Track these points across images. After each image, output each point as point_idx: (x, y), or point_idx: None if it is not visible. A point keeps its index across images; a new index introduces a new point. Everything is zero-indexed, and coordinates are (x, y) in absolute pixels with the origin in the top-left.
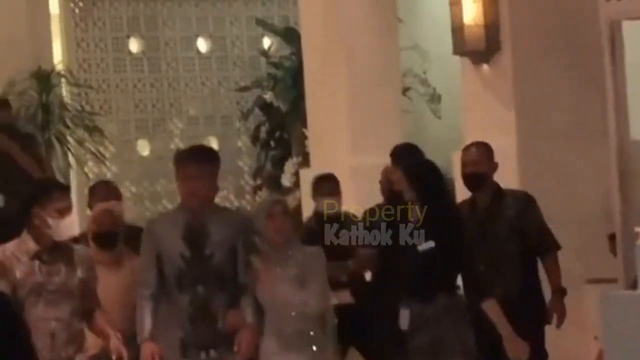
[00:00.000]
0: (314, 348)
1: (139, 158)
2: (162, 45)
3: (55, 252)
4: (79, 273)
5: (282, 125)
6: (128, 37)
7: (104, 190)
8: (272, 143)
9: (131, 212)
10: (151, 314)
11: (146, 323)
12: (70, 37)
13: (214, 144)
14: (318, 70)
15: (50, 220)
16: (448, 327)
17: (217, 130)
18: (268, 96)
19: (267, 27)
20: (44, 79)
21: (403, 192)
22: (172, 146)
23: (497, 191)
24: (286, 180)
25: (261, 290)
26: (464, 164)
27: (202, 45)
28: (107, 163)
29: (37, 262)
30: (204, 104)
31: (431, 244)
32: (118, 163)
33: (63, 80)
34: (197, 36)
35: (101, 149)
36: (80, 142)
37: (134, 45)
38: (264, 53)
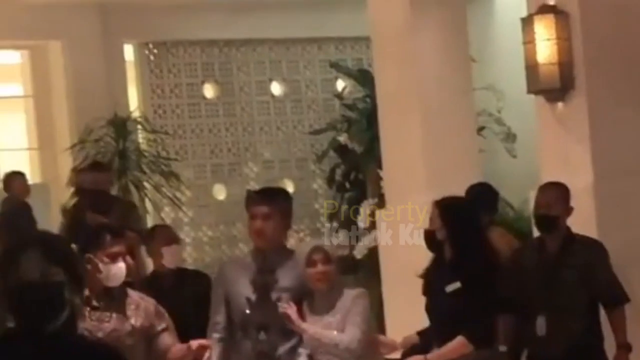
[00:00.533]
0: None
1: (215, 202)
2: (237, 90)
3: (106, 298)
4: (139, 321)
5: (357, 167)
6: (203, 82)
7: (165, 234)
8: (348, 185)
9: (207, 255)
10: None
11: None
12: (146, 83)
13: (289, 187)
14: (392, 111)
15: (101, 266)
16: None
17: (292, 173)
18: (343, 138)
19: (340, 69)
20: (121, 125)
21: (436, 231)
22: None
23: (568, 236)
24: (362, 222)
25: (306, 338)
26: (536, 205)
27: (276, 88)
28: (184, 208)
29: (87, 308)
30: (279, 148)
31: (457, 284)
32: (194, 208)
33: (139, 126)
34: (271, 80)
35: (177, 194)
36: (156, 188)
37: (209, 91)
38: (338, 95)
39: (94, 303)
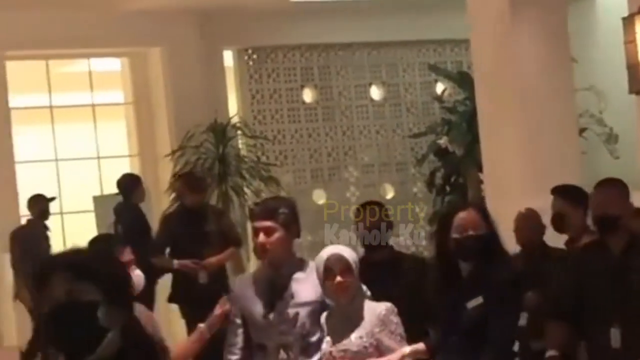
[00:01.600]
0: None
1: (316, 207)
2: (336, 94)
3: None
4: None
5: (457, 170)
6: (302, 87)
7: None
8: (448, 188)
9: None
10: None
11: None
12: (245, 89)
13: (389, 191)
14: (492, 113)
15: None
16: None
17: (392, 177)
18: (443, 141)
19: (440, 72)
20: (221, 131)
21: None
22: (348, 194)
23: (634, 237)
24: None
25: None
26: (594, 205)
27: (375, 92)
28: None
29: None
30: (379, 151)
31: (479, 300)
32: None
33: (239, 132)
34: (370, 84)
35: None
36: (256, 193)
37: (308, 95)
38: (438, 98)
39: None
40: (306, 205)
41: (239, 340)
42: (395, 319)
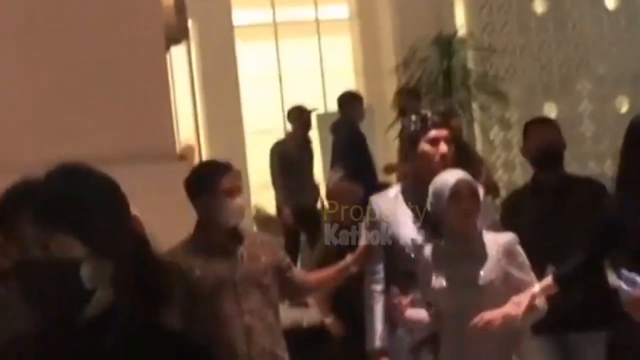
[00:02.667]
0: None
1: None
2: (568, 5)
3: (231, 238)
4: (269, 258)
5: None
6: None
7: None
8: None
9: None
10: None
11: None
12: (474, 0)
13: (624, 103)
14: None
15: (219, 202)
16: None
17: (627, 89)
18: None
19: None
20: (446, 44)
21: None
22: (581, 108)
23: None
24: None
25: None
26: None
27: (610, 2)
28: (513, 128)
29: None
30: (613, 63)
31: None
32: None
33: (465, 45)
34: None
35: (506, 115)
36: (484, 108)
37: (539, 6)
38: None
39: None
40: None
41: (381, 268)
42: (520, 249)
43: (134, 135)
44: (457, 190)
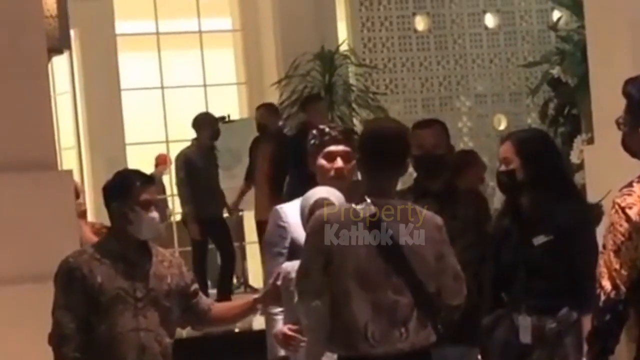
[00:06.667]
0: None
1: None
2: (449, 22)
3: (139, 252)
4: (174, 280)
5: (571, 101)
6: (414, 14)
7: None
8: (561, 119)
9: None
10: None
11: None
12: (355, 16)
13: (502, 121)
14: (601, 44)
15: (131, 215)
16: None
17: (505, 107)
18: (556, 71)
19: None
20: (328, 59)
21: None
22: (460, 124)
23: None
24: (575, 157)
25: None
26: None
27: (490, 20)
28: None
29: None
30: (492, 81)
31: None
32: None
33: (347, 60)
34: (484, 12)
35: None
36: (365, 124)
37: (420, 23)
38: (553, 27)
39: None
40: None
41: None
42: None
43: (14, 145)
44: (315, 208)
